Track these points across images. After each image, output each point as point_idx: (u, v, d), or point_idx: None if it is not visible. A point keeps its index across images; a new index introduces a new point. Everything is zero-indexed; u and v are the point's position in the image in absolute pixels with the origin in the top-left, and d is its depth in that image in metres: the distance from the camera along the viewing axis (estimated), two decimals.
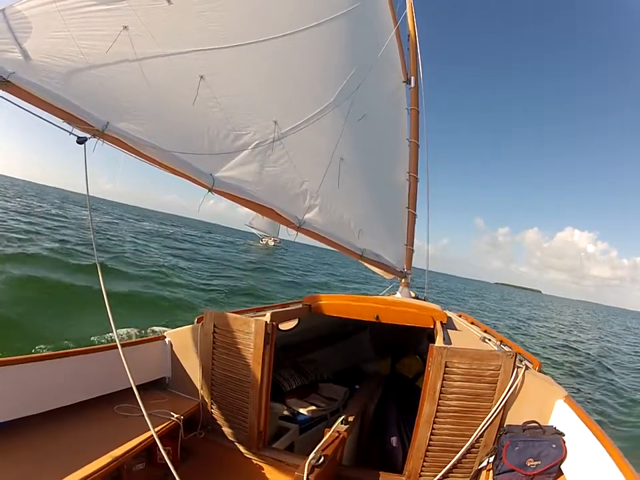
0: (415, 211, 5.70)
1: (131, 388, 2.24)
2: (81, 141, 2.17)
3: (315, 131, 3.90)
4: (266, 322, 2.85)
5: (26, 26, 2.10)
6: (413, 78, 5.73)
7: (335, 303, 3.71)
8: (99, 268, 2.27)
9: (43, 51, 2.19)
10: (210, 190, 3.03)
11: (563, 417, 2.35)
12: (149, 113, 2.70)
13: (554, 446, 2.25)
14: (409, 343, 5.58)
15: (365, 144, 4.74)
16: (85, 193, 2.12)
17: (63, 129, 2.16)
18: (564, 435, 2.29)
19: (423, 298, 5.84)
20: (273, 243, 58.30)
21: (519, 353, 2.77)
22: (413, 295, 5.77)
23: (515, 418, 2.44)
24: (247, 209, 3.52)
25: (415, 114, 5.76)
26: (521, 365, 2.52)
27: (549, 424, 2.40)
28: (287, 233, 3.84)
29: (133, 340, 3.12)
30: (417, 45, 5.87)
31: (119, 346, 2.30)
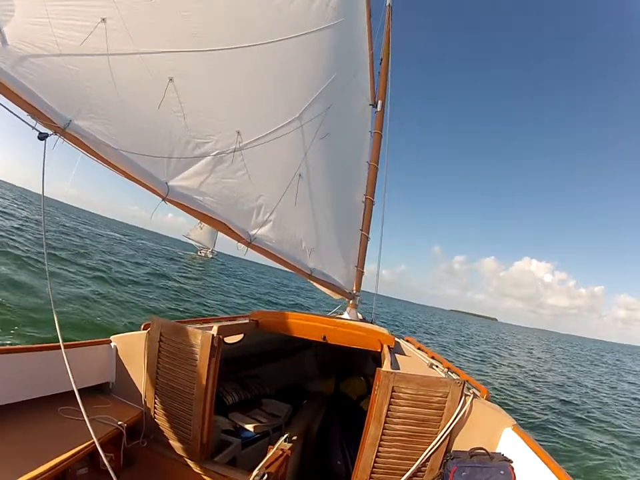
0: (368, 233, 5.97)
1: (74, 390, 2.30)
2: (42, 137, 2.18)
3: (276, 144, 4.02)
4: (213, 335, 2.92)
5: (9, 8, 2.13)
6: (380, 102, 6.06)
7: (282, 321, 3.81)
8: (47, 267, 2.40)
9: (20, 37, 2.21)
10: (164, 199, 3.10)
11: (511, 444, 2.49)
12: (114, 113, 2.74)
13: (502, 472, 2.36)
14: (353, 364, 5.74)
15: (326, 163, 4.91)
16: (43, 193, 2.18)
17: (26, 122, 2.18)
18: (512, 462, 2.41)
19: (370, 320, 6.07)
20: (210, 255, 60.86)
21: (467, 381, 2.91)
22: (360, 316, 6.01)
23: (462, 444, 2.57)
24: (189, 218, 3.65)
25: (377, 137, 6.07)
26: (469, 393, 2.66)
27: (497, 451, 2.54)
28: (236, 248, 3.95)
29: (78, 342, 3.12)
30: (388, 70, 6.23)
31: (62, 346, 2.36)
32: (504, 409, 2.91)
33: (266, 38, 3.70)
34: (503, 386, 13.92)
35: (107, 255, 22.58)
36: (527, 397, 12.66)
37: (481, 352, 22.29)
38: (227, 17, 3.37)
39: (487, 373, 16.13)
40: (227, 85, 3.55)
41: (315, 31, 4.23)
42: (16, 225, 20.50)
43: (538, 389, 14.93)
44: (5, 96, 2.13)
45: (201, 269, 38.06)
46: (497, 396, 11.70)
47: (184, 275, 26.06)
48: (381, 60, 6.28)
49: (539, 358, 29.96)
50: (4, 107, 2.10)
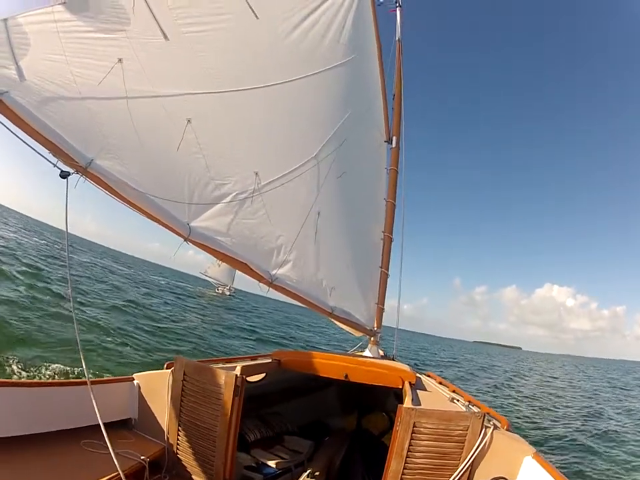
0: (388, 270, 5.96)
1: (97, 425, 2.32)
2: (64, 175, 2.22)
3: (294, 184, 4.09)
4: (236, 375, 2.96)
5: (25, 42, 2.20)
6: (394, 138, 6.13)
7: (304, 360, 3.84)
8: (72, 303, 2.48)
9: (38, 72, 2.28)
10: (185, 239, 3.13)
11: (532, 473, 2.47)
12: (133, 153, 2.81)
13: None
14: (375, 399, 5.66)
15: (343, 201, 4.97)
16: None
17: (48, 159, 2.22)
18: None
19: (392, 357, 6.05)
20: (228, 293, 60.61)
21: (488, 413, 2.93)
22: (382, 352, 5.95)
23: (483, 475, 2.57)
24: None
25: (393, 174, 6.11)
26: (489, 425, 2.66)
27: (518, 479, 2.53)
28: (258, 288, 3.97)
29: (102, 379, 3.23)
30: (401, 105, 6.29)
31: (88, 382, 2.41)
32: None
33: (280, 78, 3.80)
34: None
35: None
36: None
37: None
38: (241, 58, 3.47)
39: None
40: (244, 125, 3.63)
41: (328, 69, 4.33)
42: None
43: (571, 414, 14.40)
44: (27, 133, 2.19)
45: (218, 305, 37.98)
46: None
47: (199, 312, 26.21)
48: (394, 95, 6.38)
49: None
50: (25, 143, 2.15)
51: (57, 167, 2.24)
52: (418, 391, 3.53)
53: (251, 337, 19.88)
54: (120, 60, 2.63)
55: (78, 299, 14.23)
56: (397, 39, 6.71)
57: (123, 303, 17.63)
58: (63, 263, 22.35)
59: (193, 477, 3.09)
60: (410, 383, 3.57)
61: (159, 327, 15.08)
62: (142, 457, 2.83)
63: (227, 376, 2.98)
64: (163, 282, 46.40)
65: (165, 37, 2.85)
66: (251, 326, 24.48)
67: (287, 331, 28.20)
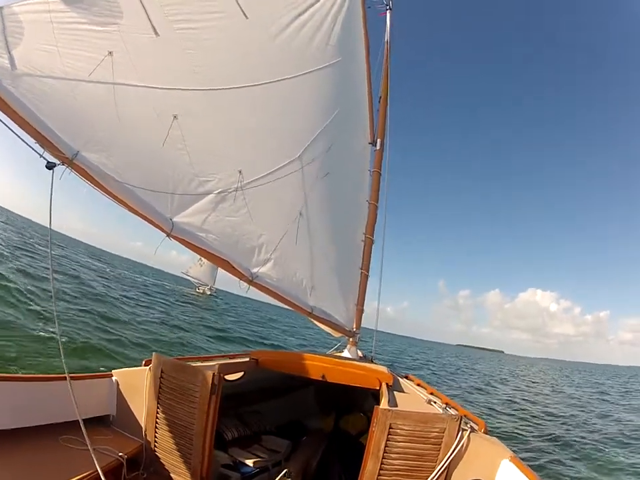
0: (368, 271, 5.98)
1: (76, 421, 2.34)
2: (50, 166, 2.22)
3: (277, 183, 4.10)
4: (214, 373, 2.99)
5: (19, 31, 2.21)
6: (379, 140, 6.16)
7: (282, 360, 3.92)
8: (54, 298, 2.49)
9: (29, 62, 2.29)
10: (168, 235, 3.14)
11: (510, 476, 2.50)
12: (119, 147, 2.82)
13: None
14: (353, 400, 5.74)
15: (326, 201, 4.99)
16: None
17: (35, 150, 2.22)
18: None
19: (371, 358, 6.10)
20: (209, 292, 60.77)
21: (465, 416, 3.01)
22: (361, 354, 6.01)
23: (461, 477, 2.61)
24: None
25: (376, 176, 6.13)
26: (466, 427, 2.71)
27: None
28: (238, 287, 3.96)
29: (81, 374, 3.24)
30: (387, 108, 6.32)
31: (67, 378, 2.41)
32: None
33: (268, 77, 3.83)
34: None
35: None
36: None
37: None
38: (230, 57, 3.50)
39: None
40: (230, 124, 3.66)
41: (316, 70, 4.37)
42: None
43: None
44: (15, 122, 2.19)
45: (198, 304, 37.74)
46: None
47: (181, 311, 25.90)
48: (380, 98, 6.41)
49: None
50: (14, 132, 2.15)
51: (44, 158, 2.24)
52: (395, 392, 3.58)
53: (219, 335, 19.67)
54: (110, 53, 2.65)
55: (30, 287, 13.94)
56: (385, 40, 6.74)
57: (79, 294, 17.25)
58: (28, 254, 22.04)
59: (171, 474, 3.11)
60: (387, 384, 3.62)
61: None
62: (120, 454, 2.85)
63: (204, 374, 3.01)
64: (139, 279, 45.75)
65: (156, 32, 2.87)
66: (221, 325, 24.27)
67: (258, 329, 27.99)
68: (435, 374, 25.49)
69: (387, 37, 6.76)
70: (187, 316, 24.42)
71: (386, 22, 6.80)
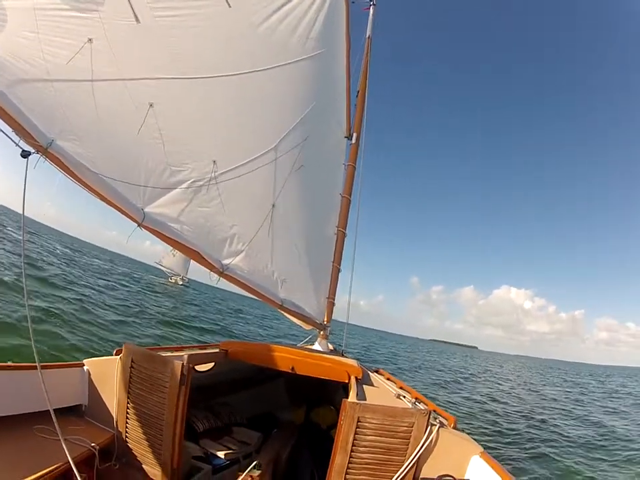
0: (340, 265, 6.03)
1: (49, 410, 2.32)
2: (25, 155, 2.20)
3: (251, 175, 4.10)
4: (182, 364, 2.98)
5: (3, 18, 2.18)
6: (355, 134, 6.20)
7: (251, 351, 3.91)
8: (25, 287, 2.44)
9: (10, 50, 2.26)
10: (139, 225, 3.11)
11: (480, 471, 2.56)
12: (94, 136, 2.79)
13: None
14: (324, 393, 5.82)
15: (299, 194, 5.00)
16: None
17: (10, 138, 2.18)
18: None
19: (341, 351, 6.16)
20: (181, 282, 61.02)
21: (434, 411, 3.04)
22: (331, 347, 6.07)
23: (430, 472, 2.64)
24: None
25: (351, 170, 6.18)
26: (435, 423, 2.74)
27: (466, 478, 2.63)
28: (209, 278, 3.95)
29: (52, 363, 3.20)
30: (364, 103, 6.38)
31: (38, 367, 2.36)
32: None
33: (247, 67, 3.82)
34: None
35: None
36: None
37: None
38: (211, 45, 3.47)
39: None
40: (206, 113, 3.63)
41: (295, 61, 4.36)
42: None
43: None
44: None
45: (169, 295, 37.22)
46: None
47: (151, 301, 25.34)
48: (358, 92, 6.45)
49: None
50: None
51: (19, 146, 2.21)
52: (364, 386, 3.60)
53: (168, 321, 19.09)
54: (90, 40, 2.61)
55: None
56: (367, 36, 6.76)
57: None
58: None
59: (143, 465, 3.11)
60: (356, 377, 3.65)
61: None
62: (92, 445, 2.84)
63: (173, 364, 3.00)
64: (106, 266, 44.63)
65: (137, 19, 2.84)
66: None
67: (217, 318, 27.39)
68: (400, 369, 25.58)
69: (368, 32, 6.79)
70: (145, 303, 23.69)
71: (369, 17, 6.85)
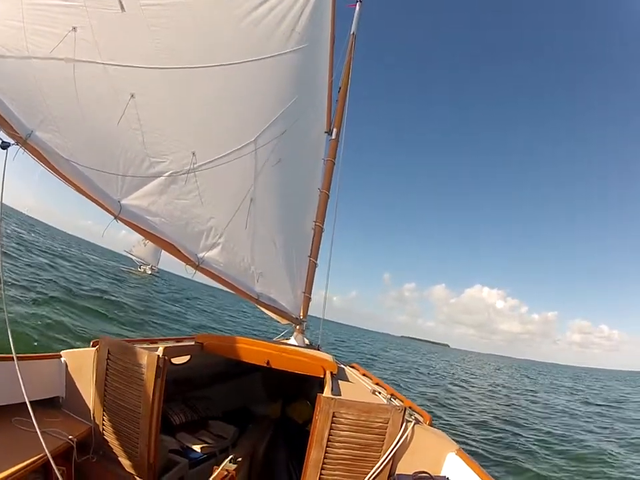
0: (317, 260, 6.10)
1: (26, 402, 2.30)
2: (4, 146, 2.20)
3: (230, 167, 4.11)
4: (158, 356, 2.98)
5: None
6: (335, 130, 6.24)
7: (227, 345, 3.90)
8: (1, 276, 2.39)
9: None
10: (115, 217, 3.11)
11: (455, 468, 2.59)
12: (74, 126, 2.78)
13: None
14: (300, 388, 5.85)
15: (278, 188, 5.02)
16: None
17: None
18: None
19: (317, 346, 6.19)
20: (150, 272, 60.42)
21: (409, 407, 3.05)
22: (307, 342, 6.12)
23: (406, 469, 2.66)
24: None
25: (330, 165, 6.22)
26: (411, 419, 2.76)
27: (442, 475, 2.65)
28: (185, 271, 3.97)
29: (29, 354, 3.16)
30: (346, 99, 6.39)
31: (15, 358, 2.36)
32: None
33: (229, 59, 3.81)
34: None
35: None
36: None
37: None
38: (194, 36, 3.46)
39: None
40: (187, 104, 3.62)
41: (278, 54, 4.36)
42: None
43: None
44: None
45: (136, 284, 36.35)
46: None
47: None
48: (340, 88, 6.46)
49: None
50: None
51: None
52: (340, 381, 3.63)
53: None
54: (74, 28, 2.60)
55: None
56: (351, 32, 6.78)
57: None
58: None
59: (119, 458, 3.10)
60: (331, 372, 3.67)
61: None
62: (70, 437, 2.83)
63: (149, 356, 3.00)
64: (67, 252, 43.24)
65: (122, 8, 2.83)
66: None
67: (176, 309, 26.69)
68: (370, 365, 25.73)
69: (353, 29, 6.81)
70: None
71: (354, 14, 6.86)
